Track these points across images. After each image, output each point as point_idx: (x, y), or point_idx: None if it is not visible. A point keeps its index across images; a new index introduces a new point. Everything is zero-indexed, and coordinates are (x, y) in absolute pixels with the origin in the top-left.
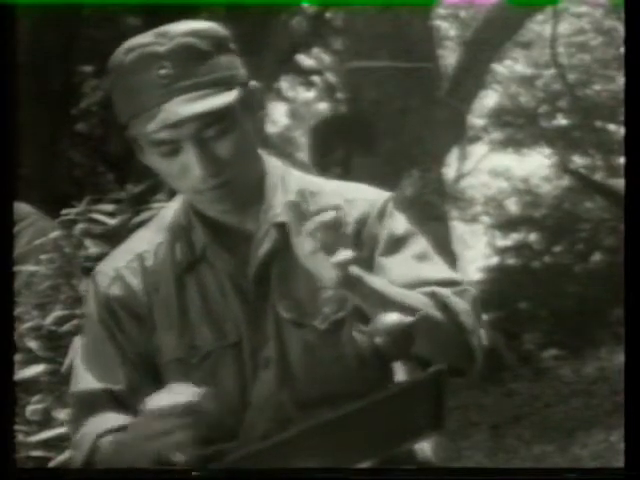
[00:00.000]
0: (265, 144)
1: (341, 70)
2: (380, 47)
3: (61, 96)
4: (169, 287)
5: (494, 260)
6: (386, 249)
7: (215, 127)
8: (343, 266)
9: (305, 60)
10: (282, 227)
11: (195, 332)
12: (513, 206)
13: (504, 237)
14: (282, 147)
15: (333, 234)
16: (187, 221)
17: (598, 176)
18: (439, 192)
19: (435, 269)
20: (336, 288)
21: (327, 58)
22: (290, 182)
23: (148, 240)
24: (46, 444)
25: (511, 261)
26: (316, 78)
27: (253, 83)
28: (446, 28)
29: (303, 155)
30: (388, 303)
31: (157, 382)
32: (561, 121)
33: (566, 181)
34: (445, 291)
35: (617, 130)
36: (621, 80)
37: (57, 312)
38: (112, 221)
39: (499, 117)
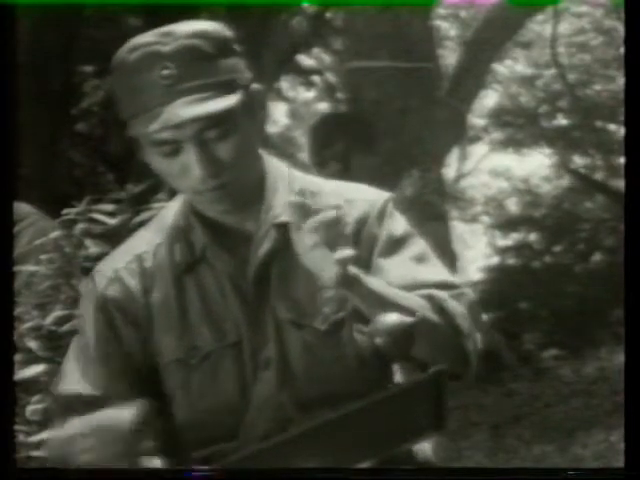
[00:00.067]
0: (265, 144)
1: (341, 70)
2: (380, 47)
3: (61, 96)
4: (168, 288)
5: (494, 260)
6: (384, 250)
7: (216, 129)
8: (342, 265)
9: (305, 60)
10: (282, 227)
11: (195, 333)
12: (513, 206)
13: (504, 237)
14: (282, 147)
15: (333, 232)
16: (186, 222)
17: (598, 176)
18: (439, 192)
19: (433, 271)
20: (335, 287)
21: (327, 58)
22: (290, 182)
23: (147, 241)
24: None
25: (511, 261)
26: (316, 78)
27: (256, 86)
28: (446, 28)
29: (303, 155)
30: (385, 304)
31: (139, 391)
32: (561, 121)
33: (566, 181)
34: (442, 294)
35: (617, 130)
36: (621, 80)
37: (57, 312)
38: (112, 221)
39: (499, 117)
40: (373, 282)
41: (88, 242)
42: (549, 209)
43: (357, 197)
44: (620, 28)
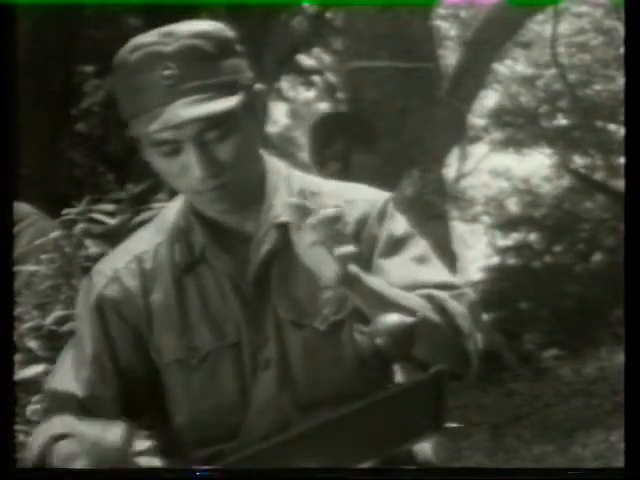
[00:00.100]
0: (265, 144)
1: (341, 70)
2: (380, 47)
3: (61, 96)
4: (168, 288)
5: (494, 260)
6: (385, 251)
7: (217, 130)
8: (343, 262)
9: (305, 60)
10: (282, 227)
11: (194, 333)
12: (513, 206)
13: (504, 237)
14: (282, 147)
15: (333, 230)
16: (187, 222)
17: (598, 176)
18: (439, 192)
19: (433, 272)
20: (335, 286)
21: (327, 58)
22: (291, 182)
23: (147, 241)
24: None
25: (511, 261)
26: (316, 78)
27: (258, 86)
28: (446, 28)
29: (303, 155)
30: (386, 304)
31: (128, 393)
32: (561, 121)
33: (566, 181)
34: (443, 294)
35: (617, 130)
36: (621, 80)
37: (57, 312)
38: (112, 221)
39: (499, 117)
40: (374, 281)
41: (88, 242)
42: (549, 209)
43: (357, 197)
44: (620, 28)
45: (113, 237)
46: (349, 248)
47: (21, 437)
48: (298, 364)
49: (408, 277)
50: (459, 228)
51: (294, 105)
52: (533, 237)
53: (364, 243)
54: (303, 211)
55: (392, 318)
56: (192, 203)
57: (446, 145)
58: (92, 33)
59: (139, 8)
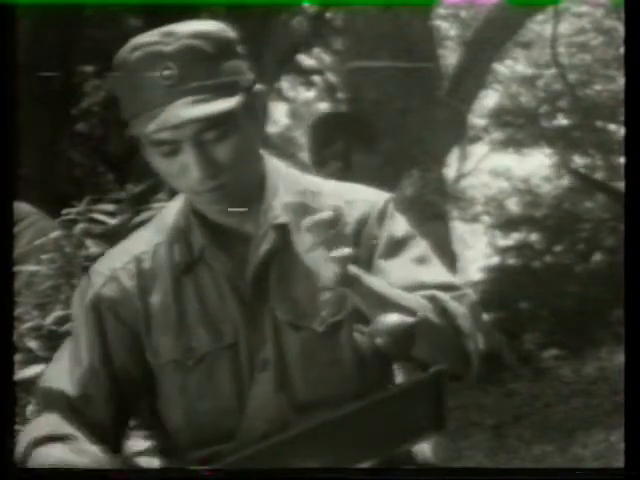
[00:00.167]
0: (265, 144)
1: (341, 70)
2: (380, 47)
3: (61, 96)
4: (166, 288)
5: (495, 260)
6: (385, 251)
7: (215, 130)
8: (342, 263)
9: (306, 60)
10: (281, 228)
11: (192, 334)
12: (514, 206)
13: (505, 237)
14: (283, 147)
15: (331, 232)
16: (186, 222)
17: (598, 176)
18: (439, 192)
19: (434, 273)
20: (334, 286)
21: (327, 58)
22: (290, 183)
23: (146, 241)
24: None
25: (512, 261)
26: (317, 78)
27: (258, 87)
28: (446, 28)
29: (304, 155)
30: (386, 304)
31: (120, 394)
32: (562, 121)
33: (566, 181)
34: (444, 295)
35: (617, 130)
36: (621, 80)
37: (57, 312)
38: (112, 221)
39: (499, 117)
40: (374, 282)
41: (88, 242)
42: (549, 209)
43: (357, 198)
44: (620, 28)
45: (113, 237)
46: (347, 250)
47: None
48: (296, 365)
49: (409, 278)
50: (459, 228)
51: (294, 105)
52: (533, 237)
53: (364, 244)
54: (303, 210)
55: (392, 318)
56: (192, 203)
57: (446, 145)
58: (92, 33)
59: (139, 8)
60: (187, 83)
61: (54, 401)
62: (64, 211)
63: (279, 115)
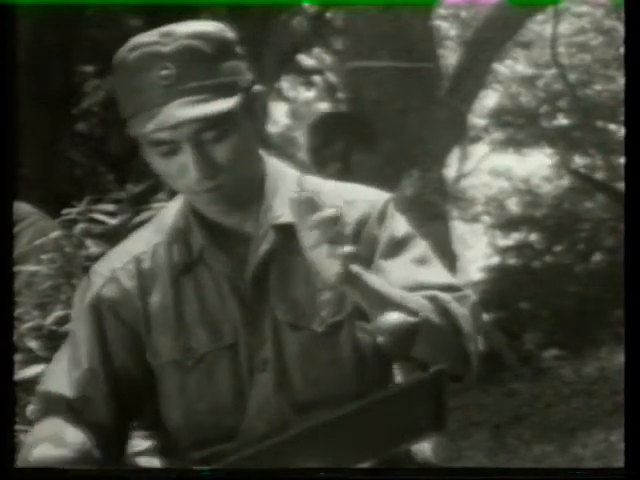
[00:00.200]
0: (266, 144)
1: (342, 70)
2: (381, 47)
3: (62, 96)
4: (166, 289)
5: (495, 260)
6: (386, 252)
7: (214, 131)
8: (345, 261)
9: (306, 60)
10: (281, 228)
11: (191, 334)
12: (514, 206)
13: (505, 237)
14: (283, 147)
15: (333, 230)
16: (185, 222)
17: (599, 176)
18: (440, 192)
19: (435, 274)
20: (337, 284)
21: (328, 58)
22: (290, 183)
23: (146, 241)
24: None
25: (512, 261)
26: (317, 78)
27: (257, 88)
28: (447, 28)
29: (304, 155)
30: (387, 303)
31: (120, 395)
32: (562, 121)
33: (567, 181)
34: (446, 296)
35: (617, 130)
36: (622, 80)
37: (58, 312)
38: (112, 221)
39: (500, 117)
40: (376, 281)
41: (88, 242)
42: (550, 209)
43: (357, 198)
44: (620, 28)
45: (113, 237)
46: (350, 248)
47: (21, 437)
48: (295, 366)
49: (409, 278)
50: (459, 228)
51: (294, 105)
52: (533, 237)
53: (364, 244)
54: (309, 206)
55: (394, 317)
56: (191, 203)
57: (446, 145)
58: (93, 33)
59: (140, 8)
60: (185, 83)
61: (54, 404)
62: (64, 211)
63: (279, 115)
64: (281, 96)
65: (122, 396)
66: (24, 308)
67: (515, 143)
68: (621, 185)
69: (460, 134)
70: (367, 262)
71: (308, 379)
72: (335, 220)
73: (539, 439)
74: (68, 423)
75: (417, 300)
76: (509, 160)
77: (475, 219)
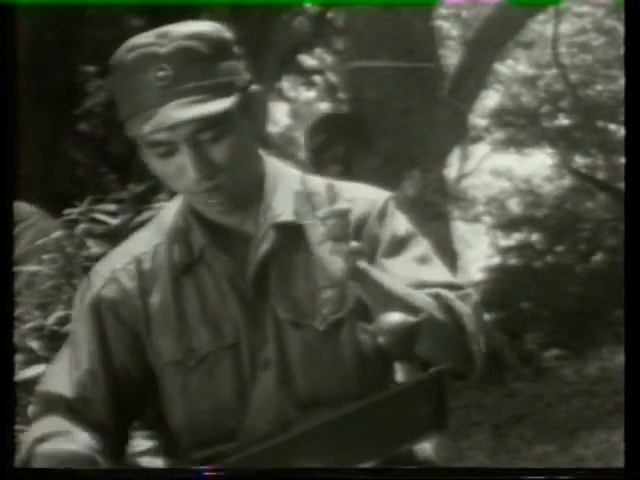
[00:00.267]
0: (266, 144)
1: (342, 70)
2: (381, 47)
3: (63, 96)
4: (166, 289)
5: (496, 260)
6: (387, 250)
7: (211, 131)
8: (352, 257)
9: (307, 60)
10: (281, 227)
11: (192, 334)
12: (515, 206)
13: (506, 237)
14: (283, 147)
15: (344, 224)
16: (185, 222)
17: (600, 176)
18: (441, 192)
19: (436, 272)
20: (344, 280)
21: (329, 58)
22: (290, 182)
23: (146, 241)
24: None
25: (513, 261)
26: (318, 78)
27: (254, 88)
28: (448, 28)
29: (304, 155)
30: (392, 300)
31: (120, 396)
32: (563, 121)
33: (568, 181)
34: (450, 294)
35: (618, 130)
36: (623, 80)
37: (59, 312)
38: (114, 221)
39: (501, 117)
40: (382, 277)
41: (90, 242)
42: (551, 209)
43: (357, 196)
44: (621, 28)
45: (115, 237)
46: (357, 244)
47: (21, 437)
48: (297, 364)
49: (411, 277)
50: (460, 228)
51: (295, 105)
52: (534, 237)
53: (365, 242)
54: (315, 199)
55: (395, 317)
56: (190, 203)
57: (447, 145)
58: (94, 33)
59: (141, 8)
60: (182, 84)
61: (54, 404)
62: (66, 211)
63: (280, 115)
64: (282, 96)
65: (122, 396)
66: (25, 308)
67: (516, 143)
68: (622, 185)
69: (461, 134)
70: (368, 261)
71: (310, 378)
72: (345, 214)
73: (540, 439)
74: (69, 422)
75: (421, 297)
76: (510, 160)
77: (476, 219)
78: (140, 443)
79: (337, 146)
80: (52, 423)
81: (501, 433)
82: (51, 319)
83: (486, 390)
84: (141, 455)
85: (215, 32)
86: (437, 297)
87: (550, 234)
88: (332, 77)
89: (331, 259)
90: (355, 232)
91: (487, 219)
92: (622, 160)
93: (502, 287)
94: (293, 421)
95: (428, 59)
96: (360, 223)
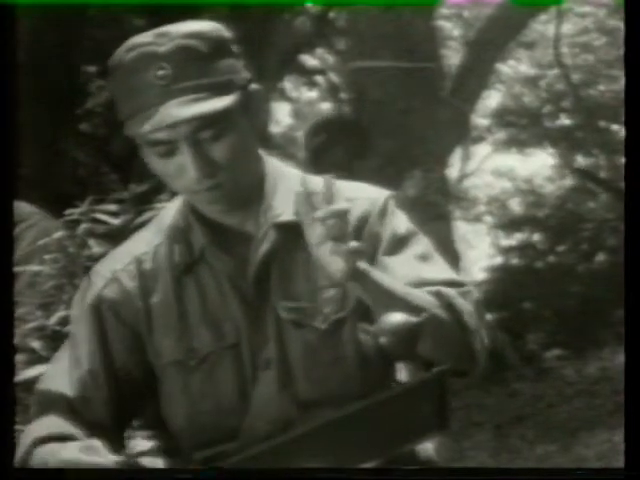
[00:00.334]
0: (268, 144)
1: (344, 70)
2: (383, 47)
3: (65, 96)
4: (167, 289)
5: (497, 260)
6: (388, 249)
7: (211, 129)
8: (352, 257)
9: (308, 60)
10: (282, 227)
11: (193, 334)
12: (516, 206)
13: (507, 237)
14: (285, 147)
15: (344, 224)
16: (186, 222)
17: (601, 176)
18: (442, 192)
19: (438, 270)
20: (344, 280)
21: (330, 58)
22: (290, 182)
23: (147, 242)
24: None
25: (514, 261)
26: (319, 78)
27: (254, 86)
28: (449, 28)
29: (304, 155)
30: (393, 299)
31: (120, 396)
32: (564, 121)
33: (569, 181)
34: (451, 291)
35: (620, 130)
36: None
37: (60, 312)
38: (115, 221)
39: (502, 117)
40: (382, 277)
41: (91, 242)
42: (552, 209)
43: (358, 195)
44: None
45: (116, 237)
46: (357, 244)
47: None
48: (299, 364)
49: (412, 275)
50: (462, 228)
51: (297, 105)
52: (536, 237)
53: (366, 241)
54: (316, 200)
55: (396, 317)
56: (191, 203)
57: (449, 145)
58: (95, 33)
59: (142, 8)
60: (181, 83)
61: (53, 403)
62: (67, 211)
63: (282, 115)
64: (284, 96)
65: (122, 396)
66: (27, 308)
67: (518, 143)
68: (623, 185)
69: (463, 134)
70: (369, 259)
71: (311, 378)
72: (344, 214)
73: (542, 439)
74: (66, 422)
75: (422, 296)
76: (512, 160)
77: (478, 219)
78: (141, 443)
79: (337, 147)
80: (51, 423)
81: (502, 433)
82: (53, 319)
83: (487, 390)
84: (142, 455)
85: (214, 31)
86: (438, 295)
87: (552, 234)
88: (334, 77)
89: (331, 260)
90: (356, 231)
91: (489, 219)
92: (623, 160)
93: (504, 287)
94: (294, 421)
95: (430, 59)
96: (361, 222)
